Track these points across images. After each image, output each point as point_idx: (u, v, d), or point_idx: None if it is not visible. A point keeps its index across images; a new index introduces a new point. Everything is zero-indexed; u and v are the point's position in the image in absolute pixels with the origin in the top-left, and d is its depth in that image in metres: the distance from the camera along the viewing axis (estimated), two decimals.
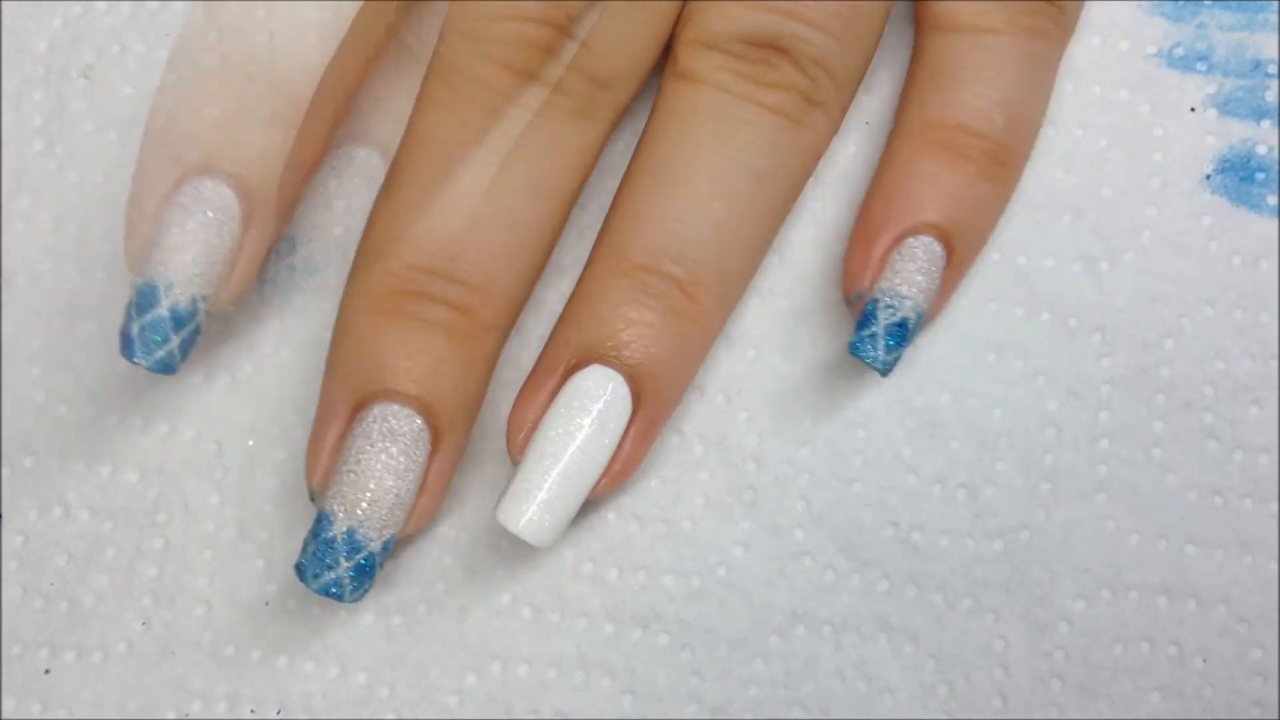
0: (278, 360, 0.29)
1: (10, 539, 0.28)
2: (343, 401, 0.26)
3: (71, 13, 0.30)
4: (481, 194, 0.26)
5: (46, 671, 0.27)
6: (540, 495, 0.25)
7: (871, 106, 0.30)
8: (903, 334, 0.27)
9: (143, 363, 0.24)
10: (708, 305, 0.26)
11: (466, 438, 0.27)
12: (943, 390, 0.29)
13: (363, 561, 0.25)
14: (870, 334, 0.27)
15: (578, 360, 0.26)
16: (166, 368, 0.24)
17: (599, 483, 0.26)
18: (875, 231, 0.27)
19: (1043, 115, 0.29)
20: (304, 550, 0.25)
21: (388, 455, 0.25)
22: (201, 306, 0.25)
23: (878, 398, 0.29)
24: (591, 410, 0.26)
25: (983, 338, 0.29)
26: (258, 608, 0.28)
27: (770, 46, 0.26)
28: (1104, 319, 0.29)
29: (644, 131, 0.27)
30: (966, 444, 0.28)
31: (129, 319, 0.24)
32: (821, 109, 0.27)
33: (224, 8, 0.26)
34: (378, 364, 0.25)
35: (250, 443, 0.28)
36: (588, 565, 0.28)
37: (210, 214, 0.25)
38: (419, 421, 0.25)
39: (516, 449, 0.26)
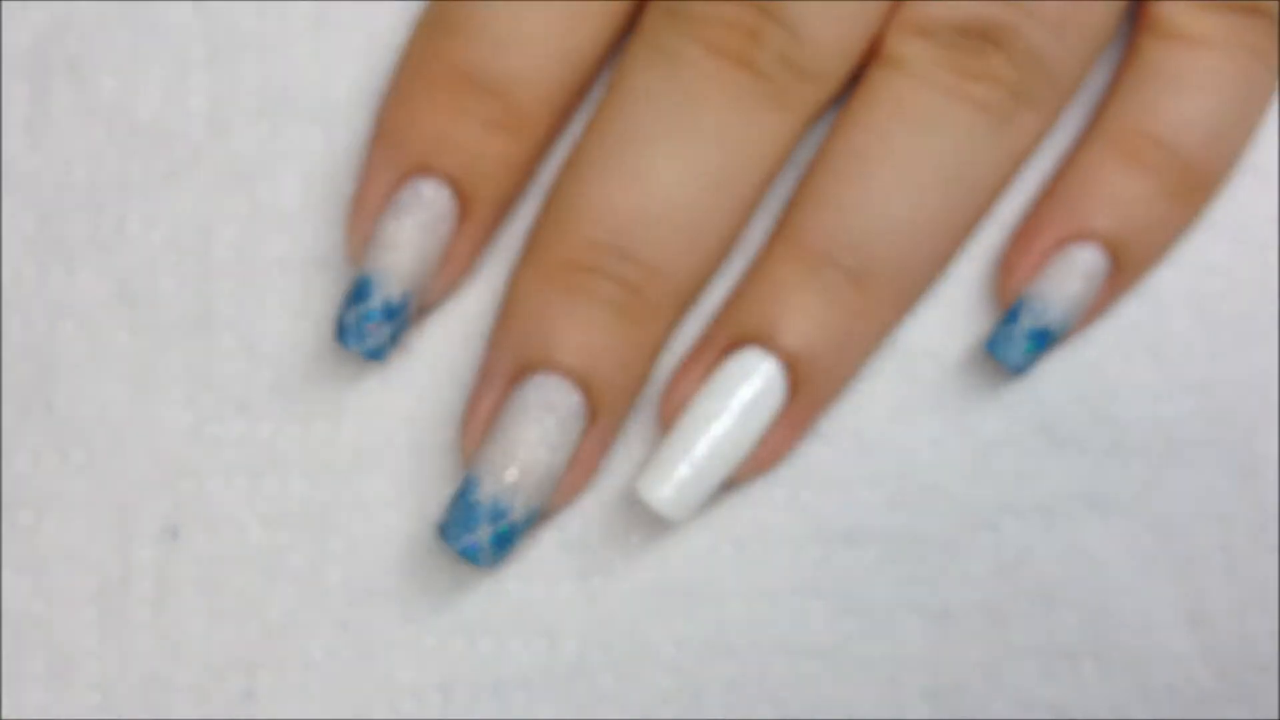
0: (430, 345, 0.28)
1: (185, 568, 0.27)
2: (503, 369, 0.25)
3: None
4: (666, 176, 0.25)
5: (248, 694, 0.27)
6: (678, 472, 0.25)
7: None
8: (1043, 340, 0.26)
9: (357, 349, 0.25)
10: (879, 301, 0.26)
11: (623, 418, 0.26)
12: None
13: (504, 529, 0.25)
14: (1009, 333, 0.26)
15: (736, 340, 0.26)
16: (378, 354, 0.25)
17: (742, 467, 0.26)
18: (1039, 229, 0.26)
19: (1247, 141, 0.27)
20: (448, 510, 0.25)
21: (541, 427, 0.25)
22: (412, 300, 0.25)
23: None
24: (741, 393, 0.25)
25: None
26: (452, 594, 0.27)
27: (984, 37, 0.25)
28: (1255, 160, 0.28)
29: (840, 116, 0.26)
30: (1140, 308, 0.28)
31: (345, 308, 0.25)
32: (1031, 109, 0.25)
33: (452, 9, 0.26)
34: (541, 334, 0.25)
35: (415, 429, 0.27)
36: (780, 491, 0.27)
37: (425, 214, 0.25)
38: (577, 396, 0.25)
39: (666, 421, 0.26)
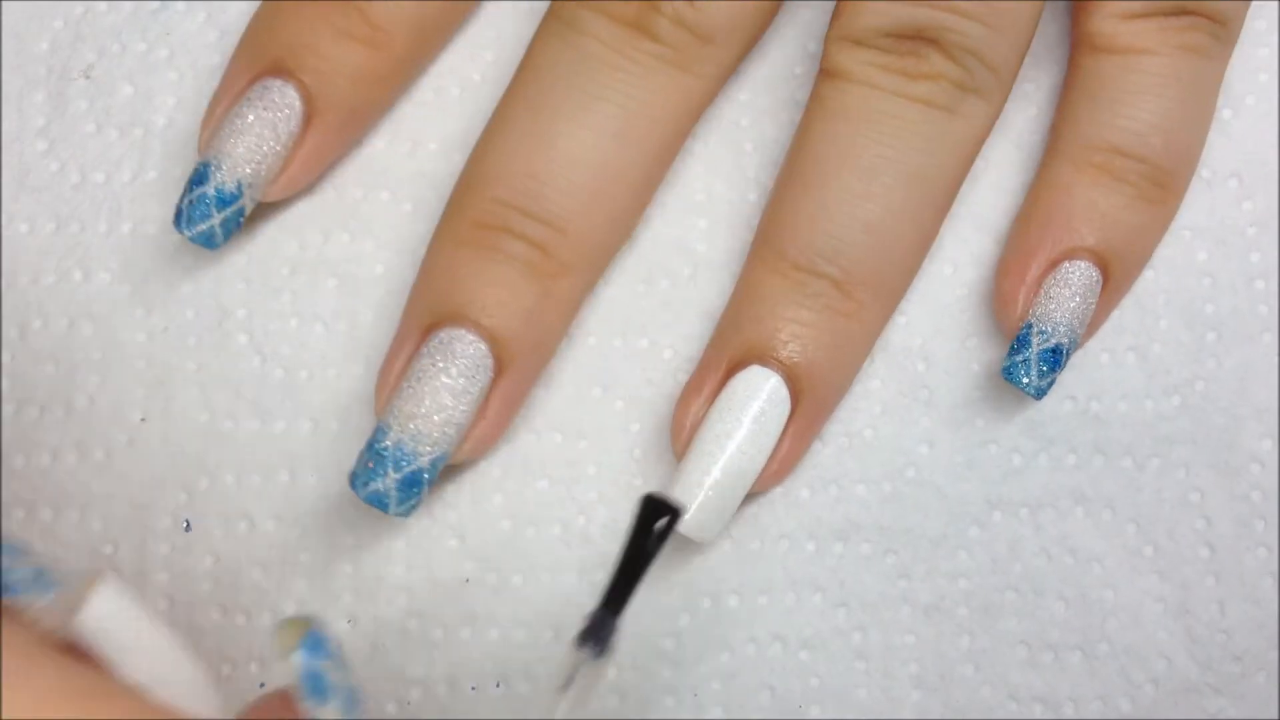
0: None
1: (200, 560, 0.28)
2: (416, 325, 0.27)
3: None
4: (569, 137, 0.26)
5: (261, 685, 0.27)
6: (700, 495, 0.26)
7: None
8: (1056, 360, 0.27)
9: (187, 234, 0.26)
10: (866, 302, 0.27)
11: (534, 373, 0.27)
12: None
13: (409, 475, 0.25)
14: (1024, 359, 0.27)
15: (737, 361, 0.27)
16: (207, 241, 0.26)
17: (760, 481, 0.27)
18: (1029, 256, 0.27)
19: (1205, 135, 0.28)
20: (358, 459, 0.26)
21: (446, 375, 0.26)
22: (247, 192, 0.26)
23: None
24: (750, 410, 0.26)
25: None
26: (459, 588, 0.28)
27: (919, 38, 0.26)
28: (1237, 165, 0.29)
29: (796, 131, 0.27)
30: (1126, 308, 0.29)
31: (183, 194, 0.27)
32: (978, 96, 0.26)
33: None
34: (451, 290, 0.26)
35: None
36: (777, 489, 0.28)
37: (269, 111, 0.26)
38: (482, 347, 0.26)
39: (679, 448, 0.27)
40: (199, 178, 0.26)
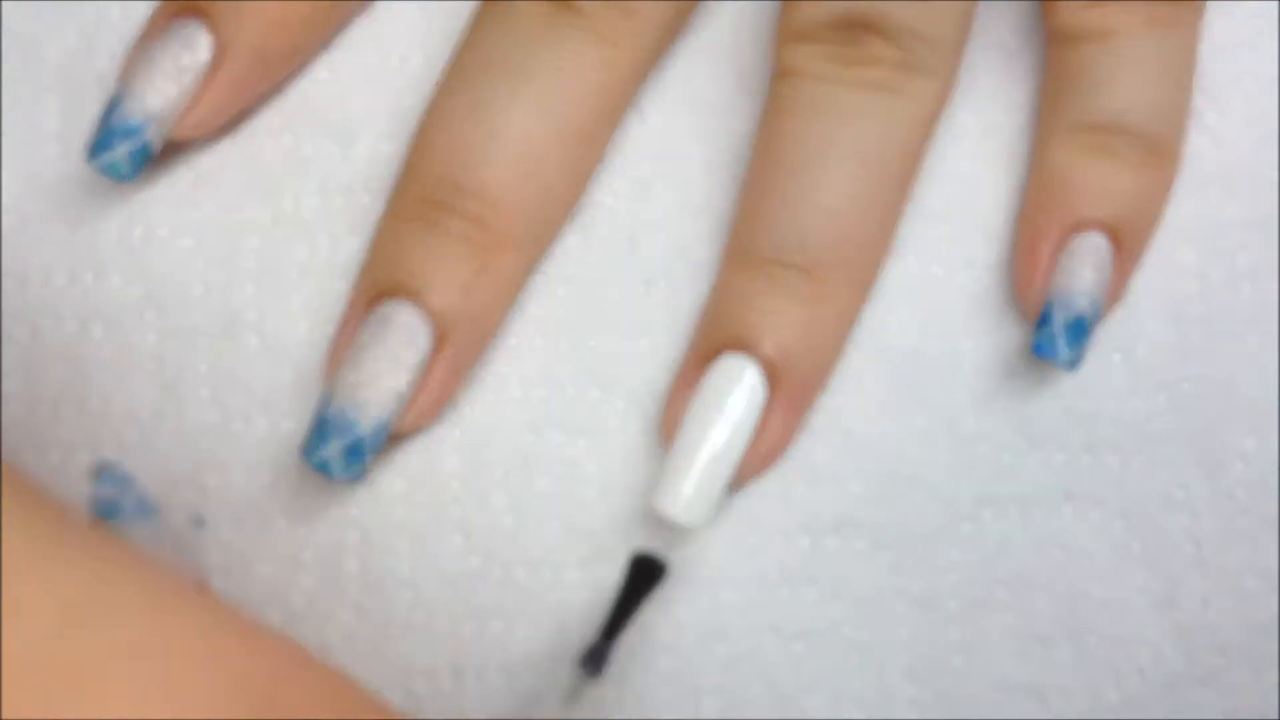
0: None
1: (211, 557, 0.28)
2: (361, 300, 0.27)
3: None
4: (502, 112, 0.27)
5: None
6: (685, 484, 0.27)
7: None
8: (1081, 330, 0.27)
9: (94, 164, 0.27)
10: (836, 286, 0.27)
11: (476, 345, 0.28)
12: None
13: (352, 443, 0.26)
14: (1049, 335, 0.27)
15: (714, 353, 0.27)
16: (113, 171, 0.27)
17: (746, 466, 0.27)
18: (1038, 240, 0.28)
19: (1188, 96, 0.29)
20: (307, 429, 0.27)
21: (387, 347, 0.27)
22: (150, 124, 0.27)
23: None
24: (727, 397, 0.27)
25: None
26: (464, 580, 0.28)
27: (857, 26, 0.27)
28: (1224, 167, 0.30)
29: (757, 131, 0.28)
30: (1115, 310, 0.29)
31: (95, 127, 0.28)
32: (924, 74, 0.27)
33: None
34: (392, 265, 0.27)
35: (429, 425, 0.29)
36: (773, 485, 0.29)
37: (177, 46, 0.27)
38: (420, 318, 0.27)
39: (667, 436, 0.28)
40: (107, 111, 0.28)
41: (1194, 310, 0.29)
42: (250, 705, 0.17)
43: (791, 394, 0.28)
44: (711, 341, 0.28)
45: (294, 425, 0.29)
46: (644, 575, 0.25)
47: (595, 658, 0.25)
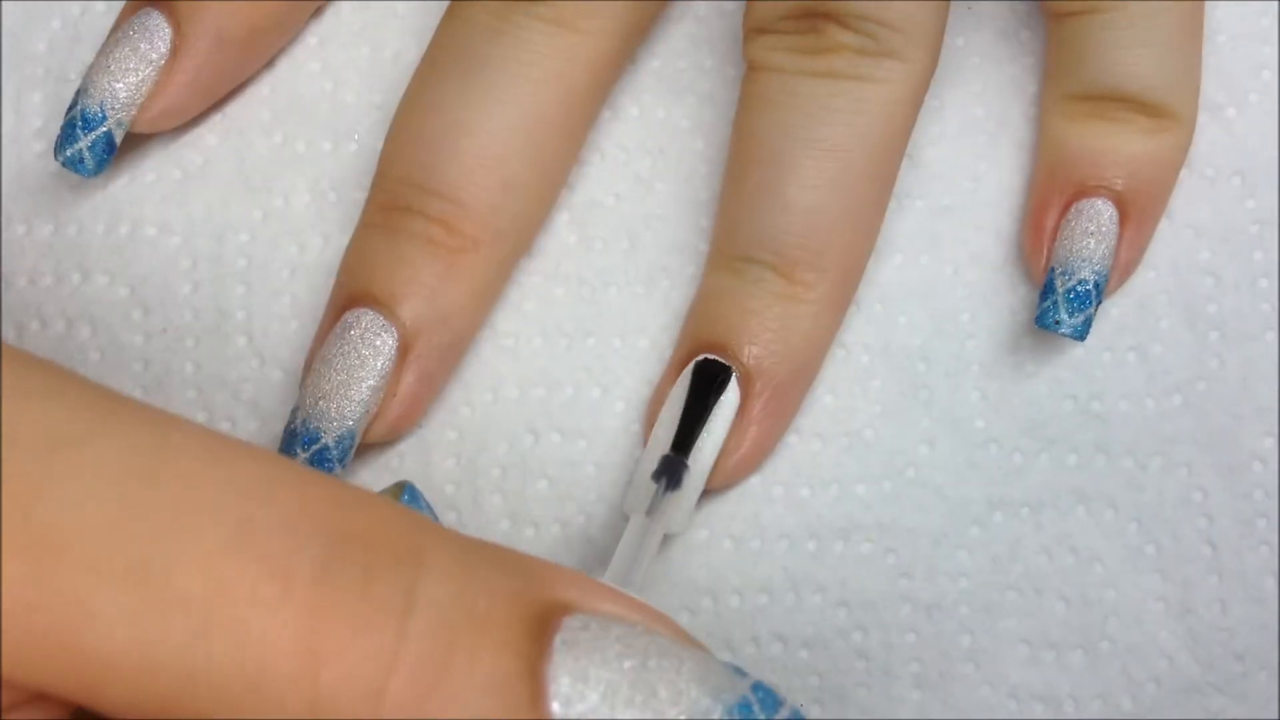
0: None
1: None
2: (332, 309, 0.27)
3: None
4: (461, 111, 0.27)
5: None
6: (654, 485, 0.26)
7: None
8: (1084, 297, 0.27)
9: (59, 159, 0.27)
10: (811, 282, 0.27)
11: (446, 349, 0.27)
12: None
13: (317, 454, 0.26)
14: (1051, 303, 0.27)
15: (692, 352, 0.27)
16: (78, 165, 0.27)
17: (727, 466, 0.27)
18: (1043, 209, 0.28)
19: (1197, 60, 0.28)
20: (281, 440, 0.26)
21: (345, 356, 0.26)
22: (112, 115, 0.27)
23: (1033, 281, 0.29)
24: (700, 398, 0.26)
25: None
26: None
27: (815, 16, 0.26)
28: (1240, 163, 0.29)
29: (731, 130, 0.28)
30: (1127, 308, 0.29)
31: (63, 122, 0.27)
32: (891, 58, 0.26)
33: None
34: (358, 273, 0.27)
35: (420, 425, 0.28)
36: (778, 488, 0.28)
37: (136, 36, 0.27)
38: (384, 324, 0.26)
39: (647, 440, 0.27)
40: (71, 104, 0.27)
41: (1209, 309, 0.29)
42: (320, 533, 0.17)
43: (772, 394, 0.27)
44: (690, 339, 0.27)
45: (282, 425, 0.28)
46: (707, 380, 0.26)
47: (671, 469, 0.25)
